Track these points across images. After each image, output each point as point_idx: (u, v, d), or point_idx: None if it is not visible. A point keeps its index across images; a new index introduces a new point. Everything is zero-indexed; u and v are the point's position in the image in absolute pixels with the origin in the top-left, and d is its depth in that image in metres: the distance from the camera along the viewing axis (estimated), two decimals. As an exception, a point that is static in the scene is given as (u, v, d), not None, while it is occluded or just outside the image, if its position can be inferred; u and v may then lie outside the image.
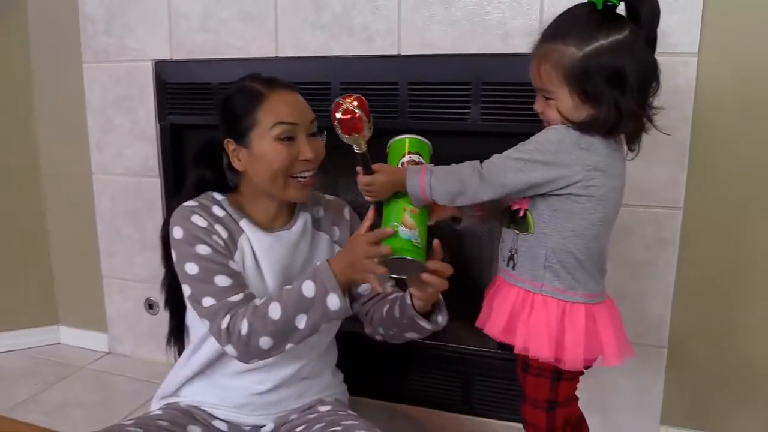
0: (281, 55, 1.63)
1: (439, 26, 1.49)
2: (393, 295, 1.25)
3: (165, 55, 1.74)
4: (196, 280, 1.16)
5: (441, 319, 1.19)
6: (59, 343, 2.13)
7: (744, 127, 1.36)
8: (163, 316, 1.89)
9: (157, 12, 1.73)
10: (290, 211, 1.29)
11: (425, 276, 1.06)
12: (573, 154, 1.00)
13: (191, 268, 1.16)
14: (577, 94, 1.00)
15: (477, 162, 1.05)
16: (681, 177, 1.40)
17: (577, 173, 1.00)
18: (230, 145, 1.22)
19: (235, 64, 1.66)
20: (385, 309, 1.24)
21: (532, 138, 1.04)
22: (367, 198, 1.11)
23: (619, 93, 0.98)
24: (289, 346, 1.12)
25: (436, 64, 1.51)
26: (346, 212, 1.35)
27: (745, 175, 1.38)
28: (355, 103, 1.04)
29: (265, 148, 1.17)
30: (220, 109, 1.25)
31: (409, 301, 1.17)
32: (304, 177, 1.19)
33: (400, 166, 1.09)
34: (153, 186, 1.85)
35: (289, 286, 1.13)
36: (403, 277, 1.11)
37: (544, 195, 1.04)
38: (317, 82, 1.59)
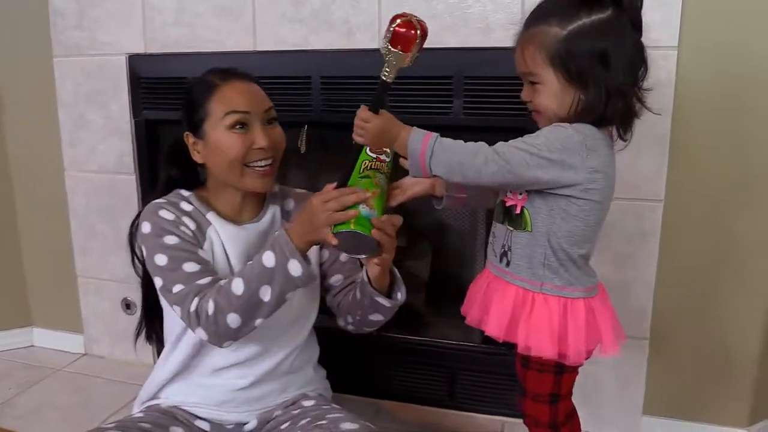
0: (259, 48, 1.61)
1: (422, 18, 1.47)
2: (359, 281, 1.25)
3: (139, 49, 1.71)
4: (166, 269, 1.16)
5: (400, 295, 1.21)
6: (32, 346, 2.08)
7: (724, 121, 1.38)
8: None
9: (130, 5, 1.69)
10: (259, 203, 1.29)
11: (374, 232, 1.06)
12: (579, 154, 0.98)
13: (160, 260, 1.16)
14: (562, 75, 0.99)
15: (484, 143, 1.01)
16: (662, 170, 1.41)
17: (580, 175, 0.99)
18: (189, 138, 1.23)
19: (212, 58, 1.63)
20: (350, 295, 1.26)
21: (539, 132, 1.02)
22: (355, 137, 1.06)
23: (604, 72, 0.98)
24: (258, 321, 1.12)
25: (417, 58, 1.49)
26: None
27: (725, 168, 1.40)
28: (422, 24, 1.00)
29: (218, 138, 1.18)
30: (182, 102, 1.26)
31: (366, 279, 1.19)
32: (262, 166, 1.19)
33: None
34: (128, 183, 1.81)
35: (251, 261, 1.12)
36: (358, 256, 1.11)
37: (542, 193, 1.03)
38: (297, 76, 1.58)
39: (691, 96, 1.37)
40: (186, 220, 1.20)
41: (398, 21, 0.99)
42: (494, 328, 1.08)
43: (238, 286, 1.09)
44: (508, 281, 1.09)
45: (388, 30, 0.99)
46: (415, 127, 1.03)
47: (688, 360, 1.51)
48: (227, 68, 1.25)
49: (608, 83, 0.98)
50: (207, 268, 1.18)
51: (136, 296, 1.86)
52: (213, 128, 1.18)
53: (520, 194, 1.06)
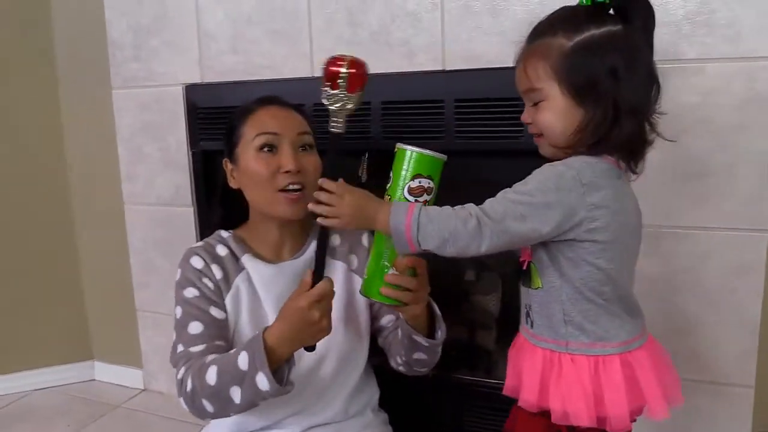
0: (317, 74, 1.55)
1: (487, 37, 1.38)
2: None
3: (195, 79, 1.69)
4: (178, 324, 1.16)
5: (440, 334, 1.15)
6: (94, 380, 2.08)
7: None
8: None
9: (185, 35, 1.68)
10: (302, 237, 1.23)
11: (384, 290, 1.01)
12: (575, 191, 0.89)
13: (177, 312, 1.17)
14: (568, 90, 0.91)
15: (472, 205, 0.92)
16: (765, 195, 1.26)
17: (578, 214, 0.89)
18: (227, 165, 1.23)
19: (268, 85, 1.58)
20: (394, 335, 1.23)
21: (529, 177, 0.92)
22: (322, 222, 0.96)
23: (614, 88, 0.89)
24: (232, 414, 1.08)
25: (484, 79, 1.39)
26: (364, 239, 1.27)
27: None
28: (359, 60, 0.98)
29: (247, 161, 1.16)
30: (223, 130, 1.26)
31: (403, 317, 1.13)
32: (293, 192, 1.14)
33: (405, 191, 0.95)
34: (185, 215, 1.79)
35: (232, 351, 1.06)
36: None
37: (544, 244, 0.94)
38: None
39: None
40: (214, 268, 1.17)
41: (344, 65, 0.97)
42: (528, 396, 0.97)
43: (211, 376, 1.04)
44: (534, 344, 1.00)
45: (335, 74, 0.96)
46: (393, 201, 0.97)
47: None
48: (271, 96, 1.23)
49: (618, 101, 0.90)
50: (210, 331, 1.13)
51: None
52: (244, 151, 1.17)
53: (528, 249, 0.97)
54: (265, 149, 1.14)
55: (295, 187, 1.14)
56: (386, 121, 1.49)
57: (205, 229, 1.77)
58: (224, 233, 1.23)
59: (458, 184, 1.53)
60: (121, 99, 1.81)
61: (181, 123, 1.73)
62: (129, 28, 1.75)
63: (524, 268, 1.00)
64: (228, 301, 1.17)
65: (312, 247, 1.22)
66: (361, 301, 1.23)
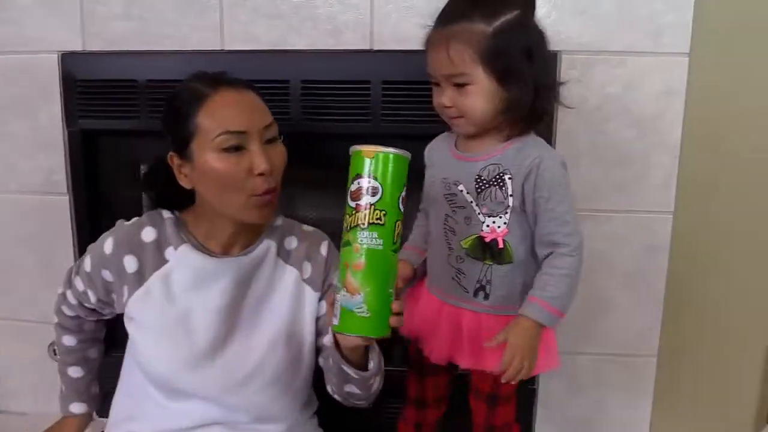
0: (228, 48, 1.42)
1: (418, 19, 1.36)
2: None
3: (75, 46, 1.46)
4: (74, 266, 1.18)
5: (373, 365, 1.00)
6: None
7: (736, 130, 1.36)
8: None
9: (64, -6, 1.46)
10: (254, 234, 1.11)
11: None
12: None
13: (83, 260, 1.14)
14: (494, 73, 0.98)
15: (572, 243, 1.03)
16: (671, 181, 1.38)
17: None
18: (173, 160, 1.05)
19: (170, 58, 1.42)
20: (325, 359, 1.12)
21: (555, 196, 1.02)
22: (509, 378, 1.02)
23: (530, 68, 0.99)
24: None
25: (414, 61, 1.36)
26: (324, 247, 1.16)
27: (736, 179, 1.38)
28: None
29: (208, 162, 1.00)
30: (162, 115, 1.06)
31: (334, 341, 0.98)
32: (263, 195, 1.01)
33: (400, 204, 0.89)
34: (60, 206, 1.55)
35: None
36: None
37: (519, 220, 1.04)
38: (273, 80, 1.40)
39: (703, 104, 1.34)
40: (128, 260, 1.06)
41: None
42: (495, 363, 1.03)
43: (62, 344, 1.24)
44: (488, 313, 1.08)
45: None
46: (530, 304, 1.03)
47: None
48: (218, 73, 1.06)
49: (536, 78, 0.99)
50: (83, 298, 1.15)
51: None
52: (201, 148, 1.00)
53: (498, 227, 1.04)
54: (231, 149, 0.99)
55: (269, 187, 1.01)
56: (307, 101, 1.41)
57: (83, 220, 1.55)
58: (166, 213, 1.09)
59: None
60: (-24, 67, 1.52)
61: (56, 97, 1.49)
62: (-12, -17, 1.47)
63: (500, 246, 1.05)
64: (135, 298, 1.06)
65: (264, 245, 1.10)
66: (308, 316, 1.13)
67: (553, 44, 1.30)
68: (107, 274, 1.09)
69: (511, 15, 0.98)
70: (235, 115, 1.00)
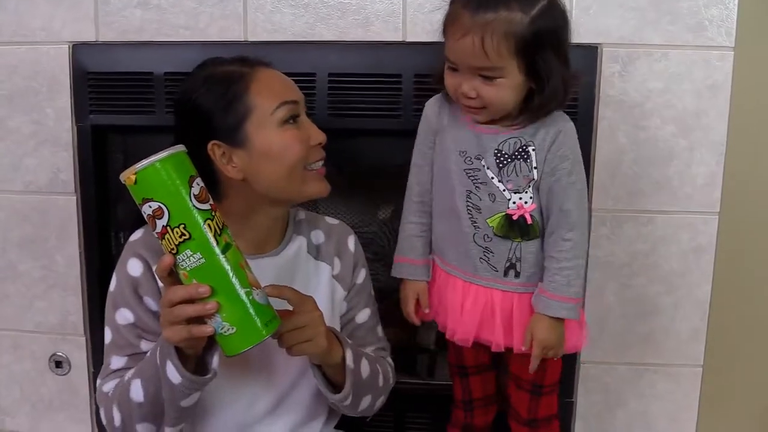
0: (251, 39, 1.38)
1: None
2: None
3: (88, 37, 1.40)
4: (105, 350, 1.01)
5: (343, 392, 0.96)
6: None
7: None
8: (76, 376, 1.56)
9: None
10: (280, 232, 1.06)
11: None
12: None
13: (106, 334, 1.01)
14: (526, 64, 0.95)
15: (584, 220, 1.04)
16: (716, 180, 1.34)
17: None
18: (217, 150, 0.97)
19: (189, 49, 1.36)
20: None
21: (566, 150, 1.01)
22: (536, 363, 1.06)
23: (557, 60, 0.97)
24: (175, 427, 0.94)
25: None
26: (351, 242, 1.13)
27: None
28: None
29: (270, 139, 0.96)
30: (188, 111, 0.98)
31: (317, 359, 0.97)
32: (318, 167, 1.01)
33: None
34: (66, 206, 1.48)
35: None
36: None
37: (543, 193, 1.04)
38: (299, 72, 1.35)
39: (749, 99, 1.31)
40: None
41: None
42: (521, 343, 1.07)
43: (137, 392, 0.91)
44: (521, 293, 1.07)
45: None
46: (541, 298, 1.04)
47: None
48: (238, 56, 1.03)
49: (563, 71, 0.98)
50: (130, 365, 0.97)
51: (70, 349, 1.54)
52: (259, 127, 0.95)
53: (525, 202, 1.03)
54: (290, 121, 0.97)
55: (322, 161, 1.01)
56: (334, 96, 1.36)
57: (90, 223, 1.49)
58: None
59: (408, 168, 1.46)
60: (-23, 58, 1.45)
61: (65, 91, 1.42)
62: (-5, -32, 1.41)
63: (529, 222, 1.04)
64: None
65: (296, 241, 1.07)
66: (337, 311, 1.09)
67: (594, 37, 1.30)
68: (150, 302, 0.98)
69: (544, 2, 0.95)
70: (284, 85, 1.00)
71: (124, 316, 0.98)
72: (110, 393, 0.96)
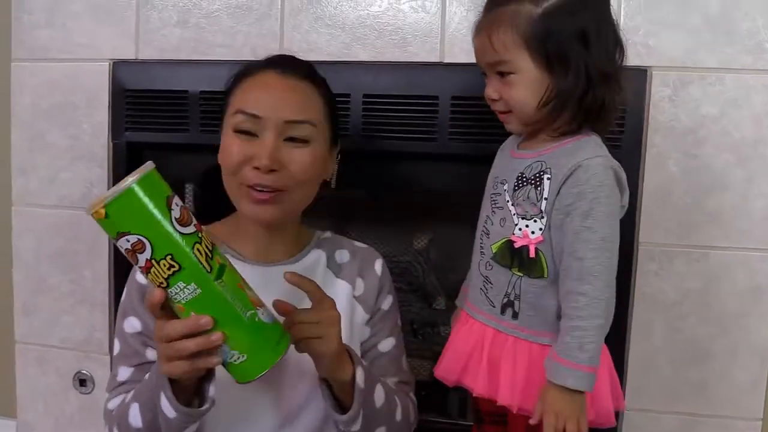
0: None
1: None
2: None
3: (128, 55, 1.43)
4: (113, 362, 1.02)
5: (351, 413, 0.90)
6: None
7: None
8: (99, 395, 1.55)
9: (117, 0, 1.43)
10: (294, 243, 1.04)
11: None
12: (616, 185, 0.92)
13: (115, 345, 1.02)
14: (540, 58, 0.90)
15: (604, 277, 0.88)
16: (778, 214, 1.25)
17: None
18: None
19: (224, 67, 1.36)
20: None
21: (586, 188, 0.89)
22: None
23: (585, 53, 0.90)
24: None
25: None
26: (378, 265, 1.09)
27: None
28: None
29: (223, 138, 0.99)
30: None
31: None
32: (259, 190, 0.94)
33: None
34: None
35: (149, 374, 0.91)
36: None
37: (558, 230, 0.92)
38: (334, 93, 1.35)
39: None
40: None
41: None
42: (508, 396, 0.93)
43: (135, 417, 0.89)
44: (516, 336, 0.95)
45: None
46: (555, 365, 0.88)
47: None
48: (284, 55, 1.06)
49: (589, 66, 0.90)
50: (136, 377, 0.97)
51: (94, 367, 1.53)
52: (225, 124, 0.99)
53: (533, 232, 0.92)
54: (241, 132, 0.94)
55: (264, 189, 0.93)
56: (368, 117, 1.33)
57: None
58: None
59: (450, 195, 1.41)
60: (23, 73, 1.49)
61: (103, 107, 1.45)
62: (44, -12, 1.46)
63: (531, 255, 0.93)
64: None
65: (313, 254, 1.04)
66: (357, 334, 1.05)
67: (643, 60, 1.25)
68: None
69: None
70: (257, 97, 0.96)
71: (131, 324, 0.99)
72: (114, 411, 0.95)
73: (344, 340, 0.94)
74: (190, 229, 0.73)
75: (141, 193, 0.70)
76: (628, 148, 1.24)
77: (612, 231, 0.89)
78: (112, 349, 1.04)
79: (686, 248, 1.27)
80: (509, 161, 1.01)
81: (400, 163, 1.39)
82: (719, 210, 1.25)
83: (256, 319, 0.76)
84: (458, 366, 0.99)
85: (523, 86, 0.92)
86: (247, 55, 1.38)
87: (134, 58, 1.43)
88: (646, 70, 1.23)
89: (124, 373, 0.99)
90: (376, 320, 1.07)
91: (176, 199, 0.73)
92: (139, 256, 0.71)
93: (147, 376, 0.90)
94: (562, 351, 0.88)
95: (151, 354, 0.98)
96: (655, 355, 1.31)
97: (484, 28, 0.94)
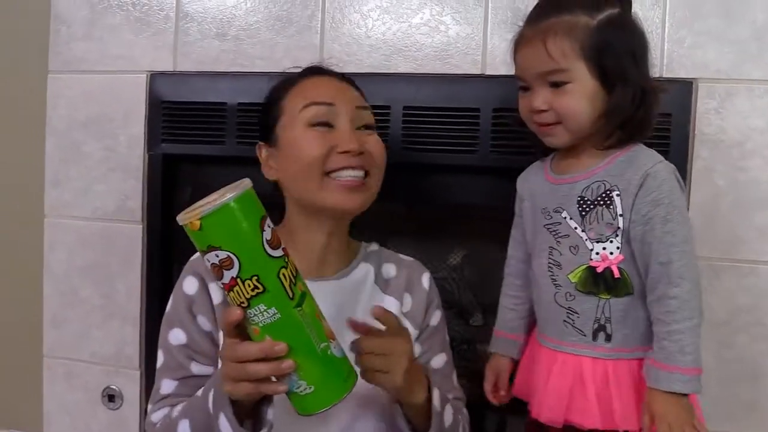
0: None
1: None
2: None
3: (166, 67, 1.44)
4: (156, 374, 1.00)
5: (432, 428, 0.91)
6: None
7: None
8: (128, 411, 1.54)
9: (158, 13, 1.44)
10: (348, 253, 1.04)
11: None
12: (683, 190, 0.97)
13: (159, 356, 1.01)
14: (596, 70, 0.91)
15: (691, 277, 0.90)
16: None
17: None
18: (261, 151, 1.05)
19: (263, 80, 1.36)
20: None
21: (675, 213, 0.91)
22: None
23: (635, 69, 0.93)
24: None
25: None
26: (425, 279, 1.08)
27: None
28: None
29: (293, 138, 0.98)
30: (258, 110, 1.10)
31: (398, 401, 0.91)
32: (344, 177, 0.96)
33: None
34: (131, 234, 1.48)
35: (200, 391, 0.89)
36: None
37: (634, 243, 0.94)
38: (373, 105, 1.35)
39: None
40: (213, 289, 0.96)
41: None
42: (624, 420, 0.92)
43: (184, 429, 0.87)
44: (615, 359, 0.94)
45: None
46: (659, 387, 0.88)
47: None
48: (319, 65, 1.08)
49: (641, 81, 0.93)
50: (183, 391, 0.96)
51: (123, 382, 1.51)
52: (288, 127, 0.99)
53: (611, 253, 0.93)
54: (318, 125, 0.95)
55: (354, 174, 0.95)
56: (408, 129, 1.33)
57: (154, 252, 1.48)
58: None
59: (484, 206, 1.40)
60: (59, 85, 1.50)
61: (140, 118, 1.46)
62: (84, 2, 1.47)
63: (616, 275, 0.94)
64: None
65: (362, 268, 1.03)
66: None
67: (688, 72, 1.24)
68: (204, 321, 0.97)
69: (613, 10, 0.93)
70: (323, 90, 0.99)
71: (176, 336, 0.98)
72: (158, 425, 0.92)
73: None
74: (279, 252, 0.73)
75: (238, 211, 0.70)
76: (674, 161, 1.20)
77: (690, 231, 0.93)
78: (143, 363, 1.03)
79: (734, 263, 1.25)
80: (552, 188, 1.01)
81: (440, 176, 1.38)
82: (767, 224, 1.24)
83: (329, 352, 0.75)
84: (561, 403, 0.96)
85: (579, 96, 0.93)
86: (287, 67, 1.39)
87: (172, 69, 1.44)
88: (691, 82, 1.23)
89: (168, 386, 0.97)
90: (425, 336, 1.06)
91: (269, 221, 0.73)
92: (225, 272, 0.71)
93: (199, 393, 0.88)
94: (662, 357, 0.88)
95: (195, 368, 0.97)
96: (704, 375, 1.27)
97: (535, 37, 0.93)
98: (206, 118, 1.42)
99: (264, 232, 0.71)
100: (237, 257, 0.70)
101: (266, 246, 0.71)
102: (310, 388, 0.75)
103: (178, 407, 0.92)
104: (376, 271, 1.05)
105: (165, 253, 1.49)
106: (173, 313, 0.99)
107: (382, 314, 0.86)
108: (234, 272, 0.71)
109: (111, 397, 1.52)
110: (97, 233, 1.51)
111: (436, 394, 0.91)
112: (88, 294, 1.53)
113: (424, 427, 0.90)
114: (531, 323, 1.09)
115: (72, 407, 1.56)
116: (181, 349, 0.97)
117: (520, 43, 0.97)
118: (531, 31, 0.95)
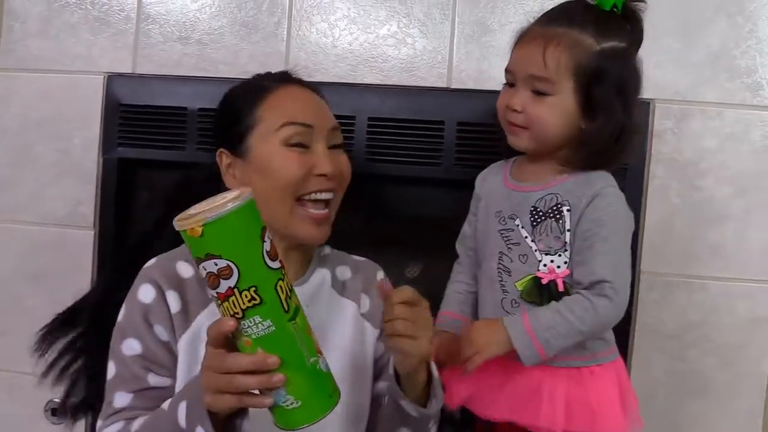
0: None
1: (500, 60, 1.27)
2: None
3: (125, 68, 1.41)
4: (107, 386, 0.95)
5: (435, 403, 0.93)
6: None
7: None
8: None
9: (118, 13, 1.42)
10: (303, 263, 1.02)
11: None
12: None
13: (110, 368, 0.95)
14: (581, 94, 0.93)
15: (619, 289, 0.93)
16: (775, 245, 1.28)
17: None
18: (222, 158, 1.01)
19: (225, 85, 1.34)
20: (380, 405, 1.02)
21: (614, 223, 0.95)
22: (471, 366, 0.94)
23: (620, 104, 0.94)
24: None
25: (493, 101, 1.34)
26: (380, 277, 1.09)
27: None
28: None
29: (269, 155, 0.95)
30: (216, 112, 1.07)
31: (392, 373, 0.92)
32: (320, 201, 0.96)
33: (205, 284, 0.75)
34: (81, 240, 1.44)
35: (164, 405, 0.85)
36: None
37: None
38: (338, 115, 1.35)
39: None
40: (171, 297, 0.93)
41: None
42: (548, 421, 0.95)
43: None
44: (551, 366, 0.97)
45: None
46: (506, 319, 0.95)
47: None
48: (284, 71, 1.06)
49: (623, 118, 0.94)
50: (139, 403, 0.92)
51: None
52: (262, 141, 0.96)
53: (558, 266, 0.96)
54: (296, 145, 0.94)
55: (327, 196, 0.96)
56: (372, 140, 1.33)
57: (106, 260, 1.45)
58: None
59: (447, 219, 1.41)
60: (12, 84, 1.45)
61: (95, 121, 1.42)
62: (39, -2, 1.44)
63: (560, 289, 0.96)
64: (183, 343, 0.92)
65: (318, 274, 1.02)
66: (369, 353, 1.03)
67: (647, 92, 1.27)
68: (161, 331, 0.93)
69: (620, 43, 0.95)
70: (301, 108, 0.98)
71: (131, 346, 0.93)
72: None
73: (357, 359, 0.95)
74: (277, 264, 0.72)
75: (243, 220, 0.69)
76: (631, 179, 1.27)
77: (627, 256, 0.96)
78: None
79: (687, 279, 1.30)
80: (508, 194, 1.03)
81: (403, 187, 1.40)
82: (720, 241, 1.28)
83: (317, 367, 0.74)
84: (512, 405, 0.98)
85: (555, 111, 0.95)
86: (252, 74, 1.38)
87: (131, 72, 1.41)
88: (649, 103, 1.27)
89: (123, 399, 0.92)
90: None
91: (269, 232, 0.72)
92: (222, 281, 0.69)
93: (165, 405, 0.84)
94: (534, 320, 0.92)
95: (152, 379, 0.92)
96: (654, 387, 1.31)
97: (538, 40, 0.95)
98: (165, 123, 1.40)
99: (264, 243, 0.70)
100: (237, 267, 0.69)
101: (266, 257, 0.70)
102: (297, 402, 0.73)
103: (138, 421, 0.88)
104: (332, 275, 1.05)
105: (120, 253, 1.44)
106: (126, 322, 0.95)
107: (390, 290, 0.87)
108: (232, 282, 0.69)
109: (54, 411, 1.46)
110: (47, 239, 1.46)
111: (433, 367, 0.92)
112: (34, 303, 1.46)
113: (423, 402, 0.92)
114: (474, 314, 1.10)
115: (14, 421, 1.49)
116: (136, 360, 0.93)
117: (522, 39, 0.99)
118: (537, 32, 0.96)
